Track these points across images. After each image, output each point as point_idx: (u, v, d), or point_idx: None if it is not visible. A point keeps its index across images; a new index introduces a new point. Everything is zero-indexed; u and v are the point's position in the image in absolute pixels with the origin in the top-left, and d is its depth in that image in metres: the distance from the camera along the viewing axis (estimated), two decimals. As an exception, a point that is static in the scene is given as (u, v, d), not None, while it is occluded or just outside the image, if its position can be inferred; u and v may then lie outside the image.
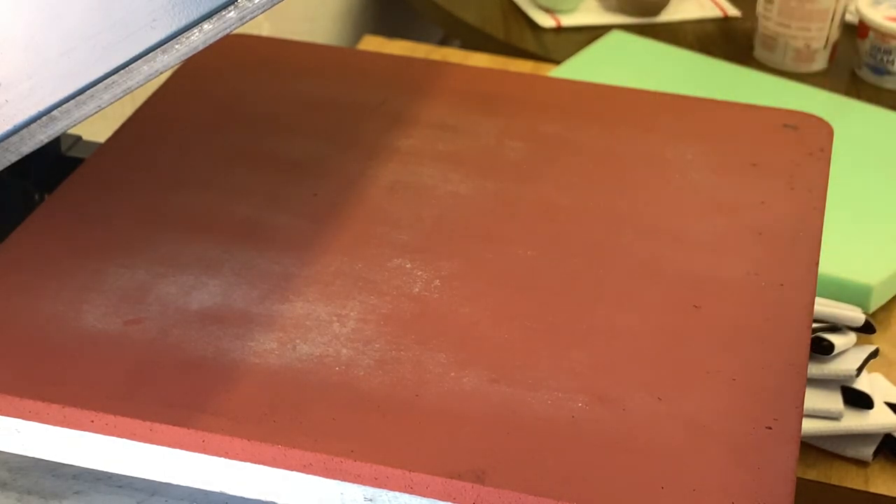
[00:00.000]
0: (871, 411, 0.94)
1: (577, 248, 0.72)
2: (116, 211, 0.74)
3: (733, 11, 1.73)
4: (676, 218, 0.75)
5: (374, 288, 0.68)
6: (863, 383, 0.95)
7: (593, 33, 1.62)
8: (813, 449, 0.94)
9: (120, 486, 0.64)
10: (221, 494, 0.62)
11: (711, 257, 0.72)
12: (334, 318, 0.66)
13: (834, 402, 0.93)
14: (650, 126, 0.84)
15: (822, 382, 0.94)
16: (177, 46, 0.58)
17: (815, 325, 0.93)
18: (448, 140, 0.82)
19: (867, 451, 0.94)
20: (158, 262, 0.69)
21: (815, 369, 0.94)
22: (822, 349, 0.94)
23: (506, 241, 0.73)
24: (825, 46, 1.54)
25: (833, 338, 0.94)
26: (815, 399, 0.93)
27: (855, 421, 0.94)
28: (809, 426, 0.93)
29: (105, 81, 0.57)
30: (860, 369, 0.94)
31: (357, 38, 2.01)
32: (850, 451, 0.94)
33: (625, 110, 0.86)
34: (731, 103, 0.88)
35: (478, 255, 0.71)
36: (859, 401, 0.94)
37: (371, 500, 0.58)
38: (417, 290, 0.68)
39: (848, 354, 0.95)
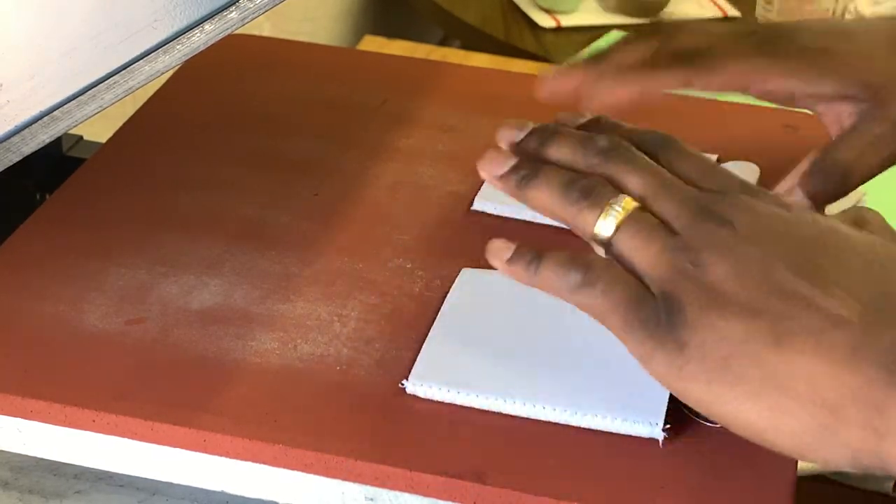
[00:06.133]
0: None
1: (578, 248, 0.72)
2: (117, 211, 0.74)
3: (733, 11, 1.73)
4: (676, 218, 0.75)
5: (375, 288, 0.68)
6: None
7: (593, 33, 1.62)
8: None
9: (121, 486, 0.64)
10: (222, 494, 0.62)
11: (711, 257, 0.72)
12: (335, 318, 0.66)
13: None
14: (650, 126, 0.84)
15: None
16: (178, 47, 0.58)
17: None
18: (448, 140, 0.82)
19: (888, 485, 0.93)
20: (159, 261, 0.69)
21: None
22: None
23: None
24: (825, 46, 1.54)
25: None
26: None
27: None
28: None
29: (107, 81, 0.58)
30: None
31: (357, 38, 2.02)
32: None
33: (625, 110, 0.86)
34: (731, 103, 0.88)
35: (479, 254, 0.71)
36: None
37: (372, 499, 0.58)
38: (418, 289, 0.68)
39: None
